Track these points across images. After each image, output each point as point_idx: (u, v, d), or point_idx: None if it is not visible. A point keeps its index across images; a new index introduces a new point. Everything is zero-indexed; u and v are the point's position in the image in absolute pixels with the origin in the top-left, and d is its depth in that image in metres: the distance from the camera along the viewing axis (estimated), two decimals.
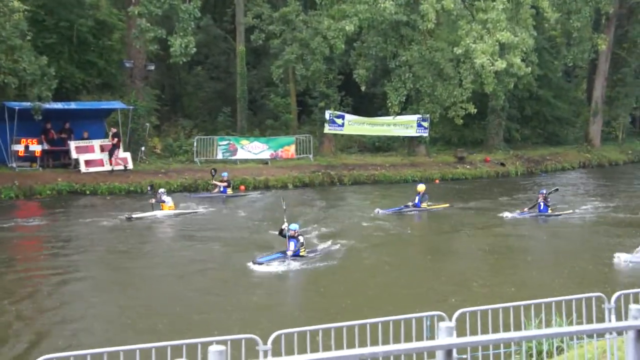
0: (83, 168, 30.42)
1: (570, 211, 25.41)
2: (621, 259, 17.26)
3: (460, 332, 8.27)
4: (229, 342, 7.93)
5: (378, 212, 25.04)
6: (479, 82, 34.21)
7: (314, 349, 8.43)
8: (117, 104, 32.77)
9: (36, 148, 30.14)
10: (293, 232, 17.12)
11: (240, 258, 17.86)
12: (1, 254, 18.93)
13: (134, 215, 23.58)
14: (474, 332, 8.53)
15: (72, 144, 31.08)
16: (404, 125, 37.43)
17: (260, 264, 16.71)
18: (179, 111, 40.80)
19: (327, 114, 36.61)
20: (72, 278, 16.57)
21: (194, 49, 31.78)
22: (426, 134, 37.98)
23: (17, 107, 28.96)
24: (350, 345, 8.47)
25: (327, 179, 33.83)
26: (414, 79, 35.51)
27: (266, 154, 35.00)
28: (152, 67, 34.80)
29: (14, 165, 29.70)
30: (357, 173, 34.86)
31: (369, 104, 40.80)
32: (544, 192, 25.34)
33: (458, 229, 23.09)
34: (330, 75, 36.65)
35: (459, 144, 40.88)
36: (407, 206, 25.69)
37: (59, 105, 30.62)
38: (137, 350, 7.98)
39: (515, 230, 22.78)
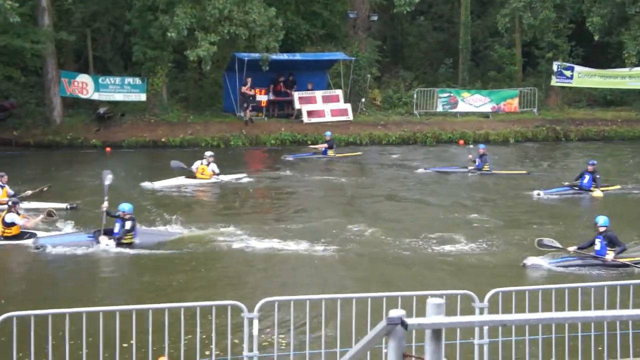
0: (305, 118, 31.23)
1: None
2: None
3: None
4: (444, 297, 7.68)
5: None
6: None
7: (534, 310, 7.99)
8: (339, 55, 33.16)
9: (262, 98, 31.36)
10: (122, 212, 14.86)
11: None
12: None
13: (156, 183, 21.16)
14: None
15: (296, 95, 31.99)
16: None
17: (39, 247, 14.70)
18: (399, 63, 40.58)
19: (555, 66, 34.61)
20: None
21: None
22: None
23: (246, 58, 30.23)
24: (573, 308, 8.06)
25: (552, 134, 32.25)
26: None
27: (487, 107, 33.89)
28: (375, 18, 34.69)
29: (242, 114, 31.14)
30: (585, 128, 32.86)
31: (601, 55, 38.02)
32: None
33: None
34: (560, 24, 34.48)
35: None
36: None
37: (284, 56, 31.52)
38: (353, 299, 8.09)
39: None
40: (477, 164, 23.54)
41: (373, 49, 35.54)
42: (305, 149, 28.08)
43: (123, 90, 30.44)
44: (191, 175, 21.79)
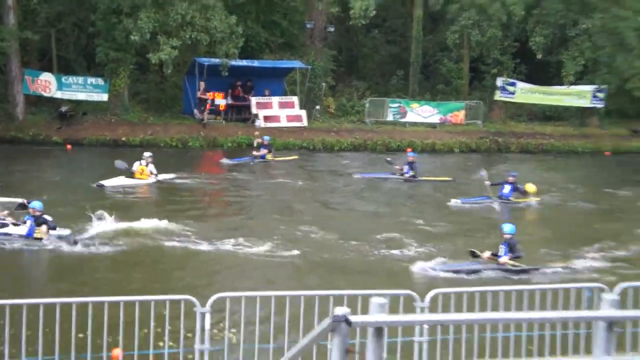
0: (262, 123, 32.37)
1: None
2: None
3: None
4: (388, 297, 8.59)
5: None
6: None
7: (471, 310, 8.44)
8: (296, 64, 34.40)
9: (221, 102, 32.45)
10: (32, 210, 15.22)
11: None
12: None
13: (104, 183, 21.71)
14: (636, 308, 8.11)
15: (254, 100, 33.14)
16: (578, 95, 36.62)
17: None
18: (353, 73, 41.90)
19: (499, 81, 36.47)
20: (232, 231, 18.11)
21: (374, 12, 32.80)
22: (601, 105, 36.95)
23: (206, 63, 31.25)
24: (507, 309, 8.47)
25: (494, 146, 33.92)
26: (593, 48, 34.54)
27: (435, 118, 35.50)
28: (332, 29, 36.01)
29: (199, 115, 32.06)
30: (525, 141, 34.68)
31: (542, 73, 39.97)
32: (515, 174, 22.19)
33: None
34: (506, 42, 36.37)
35: (636, 117, 39.24)
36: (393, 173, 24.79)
37: (243, 63, 32.60)
38: (302, 297, 8.57)
39: None
40: (405, 170, 24.71)
41: (328, 59, 36.86)
42: (244, 153, 28.25)
43: (85, 89, 31.17)
44: (130, 175, 22.46)
